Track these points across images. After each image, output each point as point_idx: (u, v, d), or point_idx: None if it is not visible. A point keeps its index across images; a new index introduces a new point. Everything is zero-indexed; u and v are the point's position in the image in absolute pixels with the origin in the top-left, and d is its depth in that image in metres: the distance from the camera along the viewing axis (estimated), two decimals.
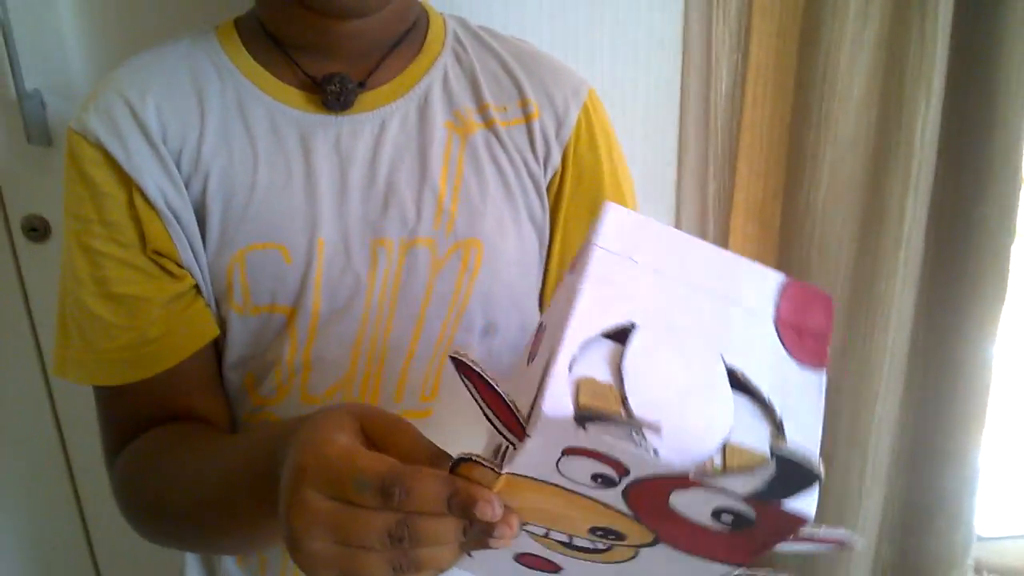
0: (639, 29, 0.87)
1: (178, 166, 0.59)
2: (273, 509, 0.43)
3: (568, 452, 0.34)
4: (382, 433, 0.42)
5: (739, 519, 0.35)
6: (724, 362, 0.35)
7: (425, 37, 0.66)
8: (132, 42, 0.75)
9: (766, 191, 1.01)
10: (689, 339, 0.35)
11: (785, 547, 0.37)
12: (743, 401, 0.34)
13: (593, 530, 0.39)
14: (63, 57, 0.77)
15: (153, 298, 0.59)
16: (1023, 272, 1.05)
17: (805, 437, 0.34)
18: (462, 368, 0.36)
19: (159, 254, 0.58)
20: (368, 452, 0.40)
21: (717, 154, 0.97)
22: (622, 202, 0.58)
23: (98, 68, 0.77)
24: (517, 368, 0.43)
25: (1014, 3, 0.88)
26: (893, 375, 1.01)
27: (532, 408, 0.33)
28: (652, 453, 0.33)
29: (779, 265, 0.99)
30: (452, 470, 0.37)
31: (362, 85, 0.61)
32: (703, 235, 1.00)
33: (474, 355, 0.41)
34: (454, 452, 0.41)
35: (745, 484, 0.33)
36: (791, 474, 0.32)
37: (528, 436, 0.33)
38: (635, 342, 0.34)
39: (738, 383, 0.35)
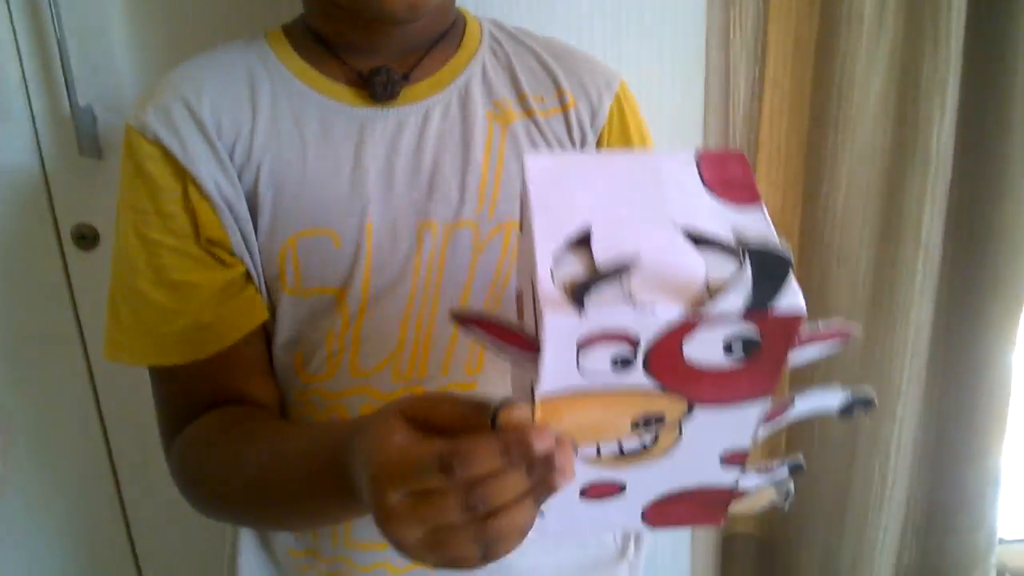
0: (663, 41, 0.90)
1: (231, 158, 0.62)
2: (335, 498, 0.50)
3: (581, 346, 0.36)
4: (426, 415, 0.44)
5: (747, 344, 0.38)
6: (677, 226, 0.39)
7: (463, 35, 0.70)
8: (181, 58, 0.79)
9: (785, 202, 1.03)
10: (639, 222, 0.39)
11: (798, 358, 0.41)
12: (707, 250, 0.38)
13: (635, 425, 0.42)
14: (115, 73, 0.80)
15: (206, 284, 0.62)
16: None
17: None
18: (466, 321, 0.39)
19: (212, 243, 0.62)
20: (421, 440, 0.42)
21: None
22: None
23: (148, 84, 0.81)
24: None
25: None
26: (913, 378, 1.03)
27: (537, 327, 0.37)
28: (650, 309, 0.35)
29: (799, 275, 1.01)
30: (492, 423, 0.39)
31: (406, 78, 0.65)
32: None
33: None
34: None
35: (735, 300, 0.35)
36: (765, 267, 0.34)
37: (537, 347, 0.36)
38: (596, 238, 0.38)
39: (696, 239, 0.38)
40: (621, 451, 0.44)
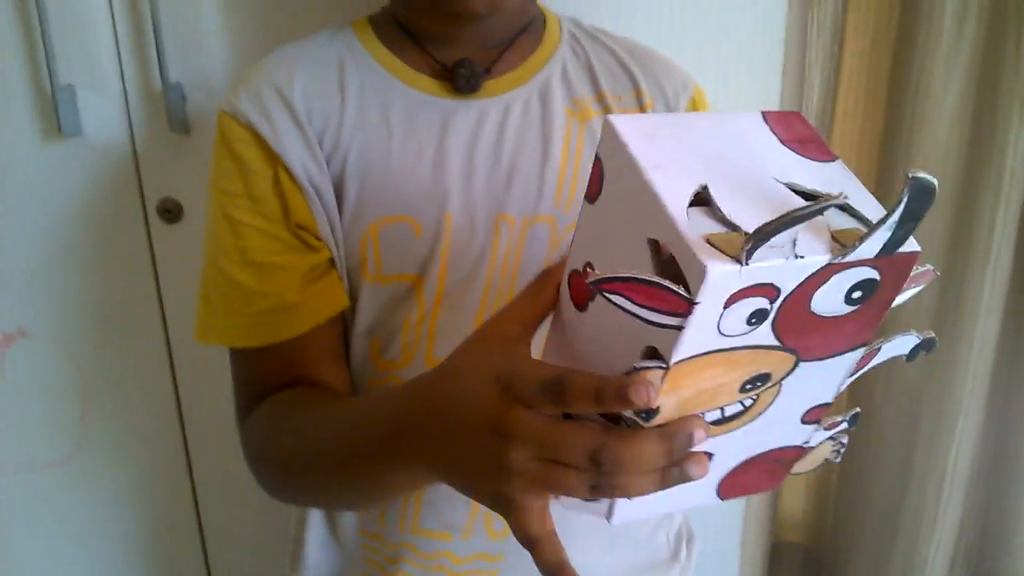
0: (742, 39, 0.90)
1: (320, 145, 0.64)
2: (411, 460, 0.49)
3: (728, 303, 0.35)
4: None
5: (867, 288, 0.38)
6: (779, 182, 0.39)
7: (543, 32, 0.71)
8: (268, 41, 0.82)
9: None
10: (745, 178, 0.39)
11: (897, 299, 0.41)
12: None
13: (743, 387, 0.41)
14: (204, 53, 0.83)
15: (292, 267, 0.63)
16: None
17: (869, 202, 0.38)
18: (612, 285, 0.38)
19: (300, 227, 0.63)
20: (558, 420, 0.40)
21: None
22: None
23: (236, 64, 0.83)
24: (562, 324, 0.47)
25: None
26: (976, 392, 1.01)
27: (681, 281, 0.35)
28: (800, 258, 0.35)
29: None
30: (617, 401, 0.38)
31: (488, 71, 0.66)
32: None
33: None
34: None
35: (875, 244, 0.35)
36: (915, 207, 0.34)
37: (696, 302, 0.35)
38: (715, 196, 0.37)
39: (801, 193, 0.39)
40: (722, 417, 0.42)
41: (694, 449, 0.39)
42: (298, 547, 0.75)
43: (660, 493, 0.42)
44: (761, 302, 0.36)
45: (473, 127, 0.66)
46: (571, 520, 0.68)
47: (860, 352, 0.42)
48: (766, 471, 0.48)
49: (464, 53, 0.66)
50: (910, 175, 0.34)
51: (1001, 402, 1.05)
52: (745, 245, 0.34)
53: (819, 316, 0.38)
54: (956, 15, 0.90)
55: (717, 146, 0.41)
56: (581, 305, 0.44)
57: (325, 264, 0.65)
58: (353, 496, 0.62)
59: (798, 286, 0.37)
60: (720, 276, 0.34)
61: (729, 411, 0.42)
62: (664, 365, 0.37)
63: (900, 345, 0.45)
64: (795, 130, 0.43)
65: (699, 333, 0.36)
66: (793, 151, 0.41)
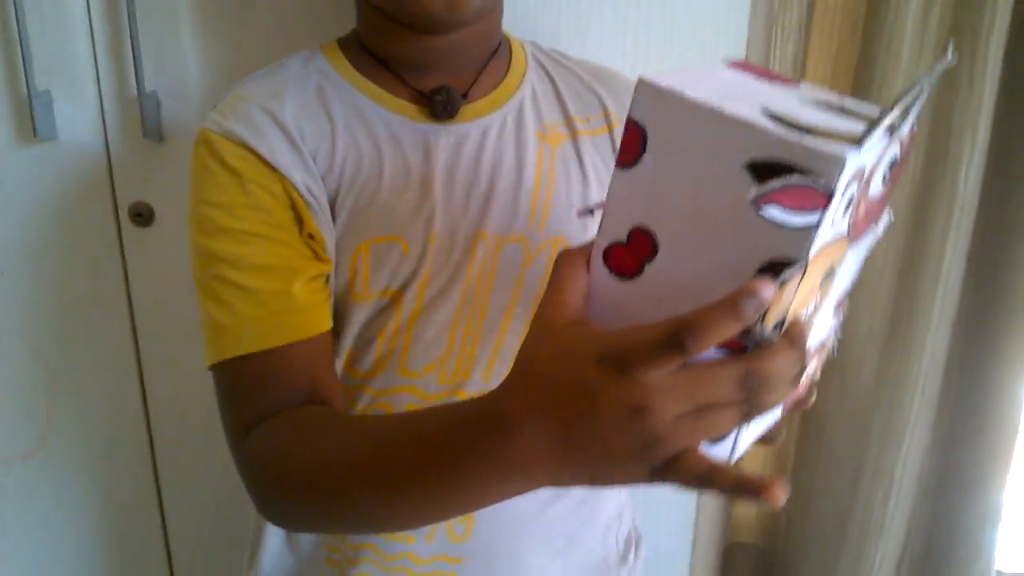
0: (703, 63, 0.92)
1: (315, 162, 0.64)
2: (489, 460, 0.44)
3: (844, 191, 0.38)
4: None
5: (893, 167, 0.42)
6: (807, 100, 0.43)
7: (511, 57, 0.73)
8: (243, 54, 0.84)
9: None
10: (777, 102, 0.41)
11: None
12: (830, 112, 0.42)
13: (822, 283, 0.43)
14: (180, 63, 0.84)
15: (301, 269, 0.62)
16: None
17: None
18: (758, 201, 0.38)
19: (311, 238, 0.64)
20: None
21: None
22: None
23: (211, 75, 0.85)
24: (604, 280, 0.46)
25: None
26: (924, 407, 1.05)
27: (806, 178, 0.37)
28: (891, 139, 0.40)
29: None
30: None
31: (465, 97, 0.68)
32: None
33: None
34: None
35: (909, 123, 0.40)
36: (919, 95, 0.39)
37: (833, 191, 0.36)
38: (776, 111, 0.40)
39: (824, 104, 0.43)
40: (811, 315, 0.43)
41: None
42: (256, 547, 0.75)
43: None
44: (854, 188, 0.39)
45: (453, 150, 0.68)
46: (524, 525, 0.71)
47: (879, 228, 0.46)
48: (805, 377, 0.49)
49: (438, 79, 0.68)
50: (924, 81, 0.38)
51: (948, 419, 1.09)
52: (865, 131, 0.37)
53: (869, 198, 0.42)
54: (913, 48, 0.93)
55: (732, 84, 0.43)
56: (632, 272, 0.44)
57: (324, 278, 0.65)
58: (412, 511, 0.52)
59: (871, 169, 0.40)
60: (851, 161, 0.36)
61: (808, 311, 0.43)
62: (802, 265, 0.38)
63: None
64: (756, 70, 0.47)
65: (826, 227, 0.38)
66: (770, 83, 0.45)
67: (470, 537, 0.69)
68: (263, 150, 0.62)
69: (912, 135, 0.43)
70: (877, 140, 0.38)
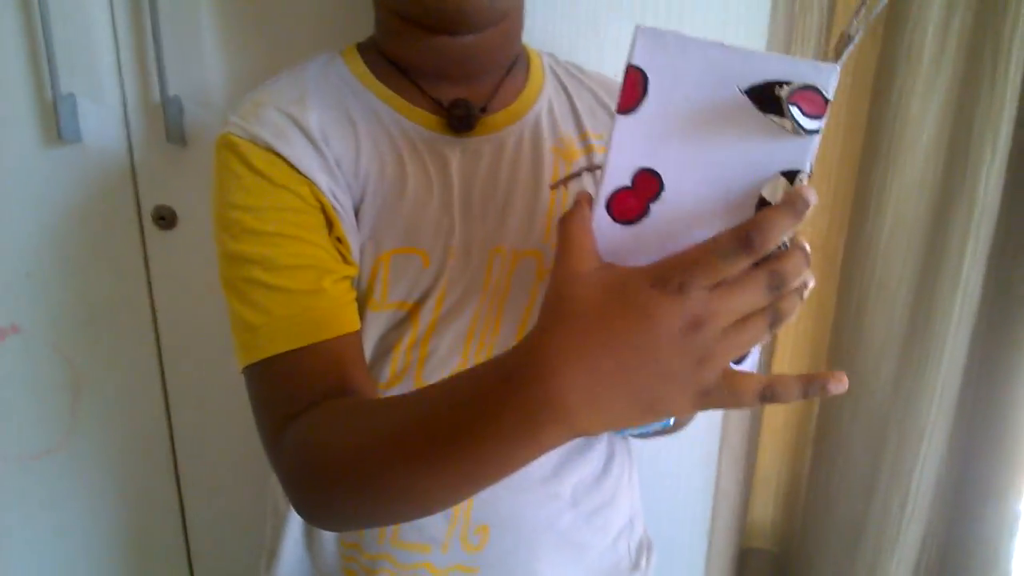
0: None
1: (339, 169, 0.64)
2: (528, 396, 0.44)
3: None
4: None
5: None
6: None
7: (529, 69, 0.73)
8: (265, 59, 0.85)
9: (831, 225, 1.05)
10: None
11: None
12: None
13: None
14: (203, 68, 0.85)
15: (331, 269, 0.62)
16: None
17: None
18: (789, 98, 0.43)
19: (340, 241, 0.64)
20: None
21: None
22: None
23: (233, 80, 0.86)
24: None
25: None
26: (942, 413, 1.04)
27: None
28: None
29: (838, 298, 1.04)
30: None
31: (483, 110, 0.68)
32: None
33: None
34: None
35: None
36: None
37: (830, 99, 0.43)
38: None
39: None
40: None
41: None
42: (272, 556, 0.76)
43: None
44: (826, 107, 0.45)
45: (471, 163, 0.68)
46: (539, 535, 0.71)
47: None
48: None
49: (456, 89, 0.68)
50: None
51: (966, 426, 1.08)
52: (839, 46, 0.44)
53: None
54: (934, 54, 0.92)
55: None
56: (637, 215, 0.47)
57: (350, 282, 0.65)
58: (454, 478, 0.50)
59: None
60: (832, 69, 0.42)
61: None
62: (808, 171, 0.44)
63: None
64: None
65: (816, 143, 0.44)
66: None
67: (486, 547, 0.70)
68: (289, 154, 0.62)
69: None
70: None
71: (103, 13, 0.83)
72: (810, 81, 0.43)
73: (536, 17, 0.69)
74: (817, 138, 0.44)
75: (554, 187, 0.67)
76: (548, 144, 0.70)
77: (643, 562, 0.82)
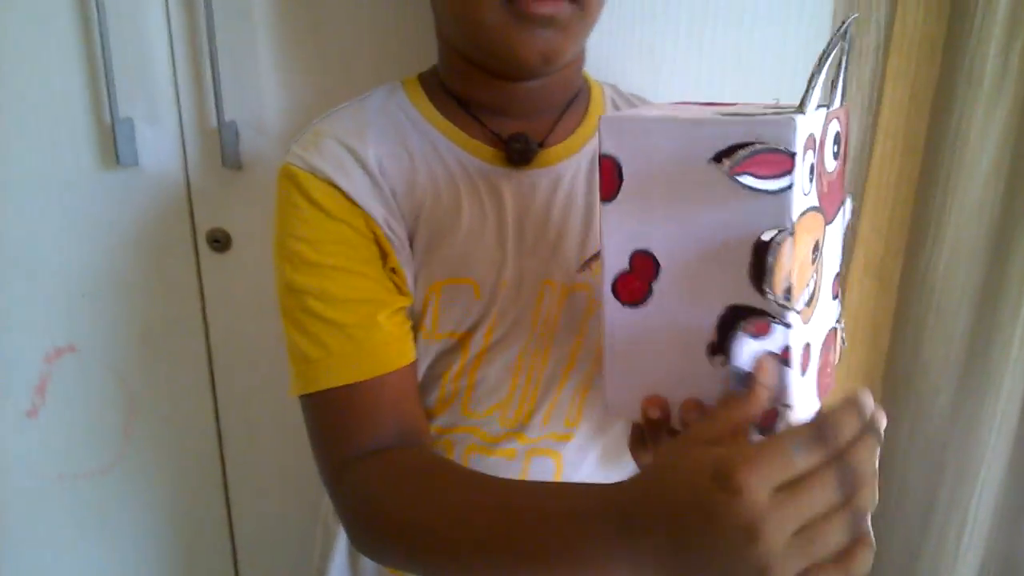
0: (777, 91, 0.91)
1: (395, 200, 0.65)
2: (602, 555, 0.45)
3: (804, 154, 0.44)
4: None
5: (838, 141, 0.50)
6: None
7: (589, 102, 0.73)
8: (321, 86, 0.85)
9: (887, 249, 1.03)
10: (718, 109, 0.48)
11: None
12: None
13: (812, 257, 0.48)
14: (260, 94, 0.86)
15: (386, 302, 0.64)
16: None
17: None
18: (733, 171, 0.44)
19: (394, 272, 0.65)
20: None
21: None
22: None
23: (289, 106, 0.86)
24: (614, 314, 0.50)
25: None
26: (1001, 441, 1.02)
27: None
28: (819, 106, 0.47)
29: (895, 323, 1.02)
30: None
31: (541, 145, 0.68)
32: None
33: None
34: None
35: (840, 89, 0.50)
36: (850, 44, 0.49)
37: (794, 152, 0.43)
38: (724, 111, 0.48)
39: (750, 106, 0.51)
40: (809, 297, 0.48)
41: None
42: (322, 568, 0.77)
43: (808, 394, 0.48)
44: (811, 157, 0.44)
45: (526, 195, 0.68)
46: None
47: (847, 212, 0.52)
48: (828, 366, 0.53)
49: (516, 124, 0.68)
50: (845, 22, 0.45)
51: None
52: (803, 99, 0.44)
53: (827, 173, 0.47)
54: (995, 75, 0.90)
55: (680, 107, 0.50)
56: (642, 296, 0.48)
57: (406, 312, 0.66)
58: None
59: (820, 138, 0.46)
60: (800, 124, 0.43)
61: (809, 290, 0.48)
62: (790, 228, 0.44)
63: None
64: (698, 103, 0.53)
65: (798, 192, 0.44)
66: (711, 105, 0.51)
67: None
68: (346, 186, 0.64)
69: (847, 111, 0.49)
70: (814, 107, 0.45)
71: (161, 39, 0.85)
72: (764, 142, 0.42)
73: (591, 41, 0.68)
74: (790, 194, 0.43)
75: (581, 269, 0.67)
76: None
77: None
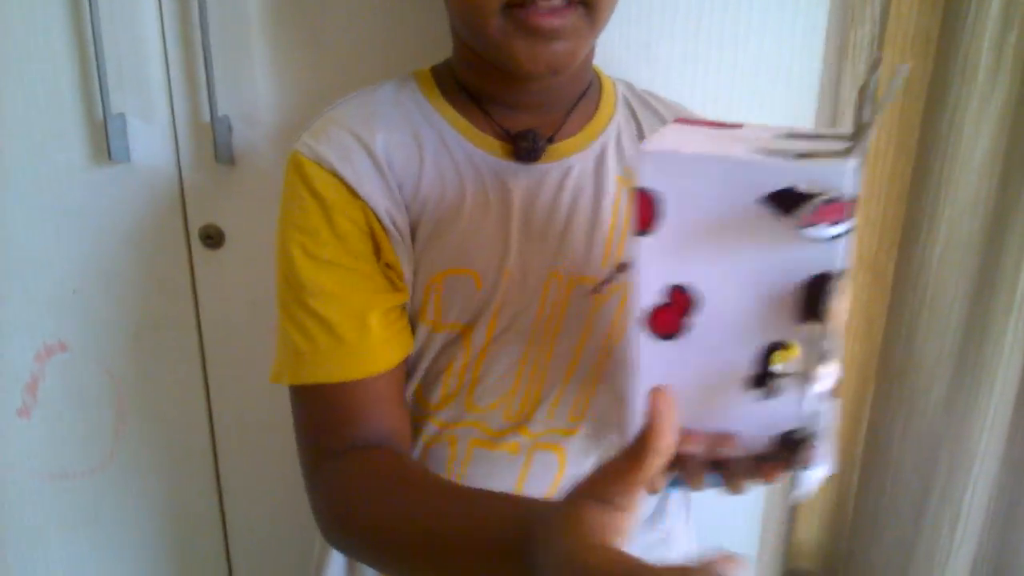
0: (777, 89, 0.91)
1: (401, 193, 0.65)
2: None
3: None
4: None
5: None
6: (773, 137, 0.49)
7: (600, 97, 0.73)
8: (314, 80, 0.85)
9: (880, 243, 1.03)
10: (751, 140, 0.47)
11: None
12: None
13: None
14: (252, 89, 0.85)
15: (377, 302, 0.64)
16: None
17: None
18: (807, 222, 0.43)
19: (389, 267, 0.65)
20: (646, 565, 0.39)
21: None
22: None
23: (282, 101, 0.86)
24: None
25: None
26: (994, 435, 1.02)
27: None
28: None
29: (889, 317, 1.02)
30: None
31: (550, 140, 0.68)
32: None
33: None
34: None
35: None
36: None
37: (855, 198, 0.42)
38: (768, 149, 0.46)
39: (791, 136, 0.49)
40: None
41: None
42: (319, 565, 0.76)
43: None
44: (850, 208, 0.44)
45: (533, 189, 0.68)
46: None
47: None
48: None
49: (526, 119, 0.68)
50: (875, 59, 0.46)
51: (1018, 449, 1.06)
52: (852, 142, 0.43)
53: None
54: (989, 69, 0.90)
55: (708, 137, 0.49)
56: (677, 329, 0.48)
57: (401, 308, 0.67)
58: None
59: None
60: (852, 169, 0.42)
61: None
62: (846, 273, 0.44)
63: None
64: (701, 123, 0.52)
65: (849, 240, 0.44)
66: (728, 129, 0.50)
67: None
68: (350, 177, 0.64)
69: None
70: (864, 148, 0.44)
71: (154, 33, 0.84)
72: (825, 191, 0.42)
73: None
74: (847, 239, 0.43)
75: (594, 291, 0.67)
76: (614, 172, 0.70)
77: None
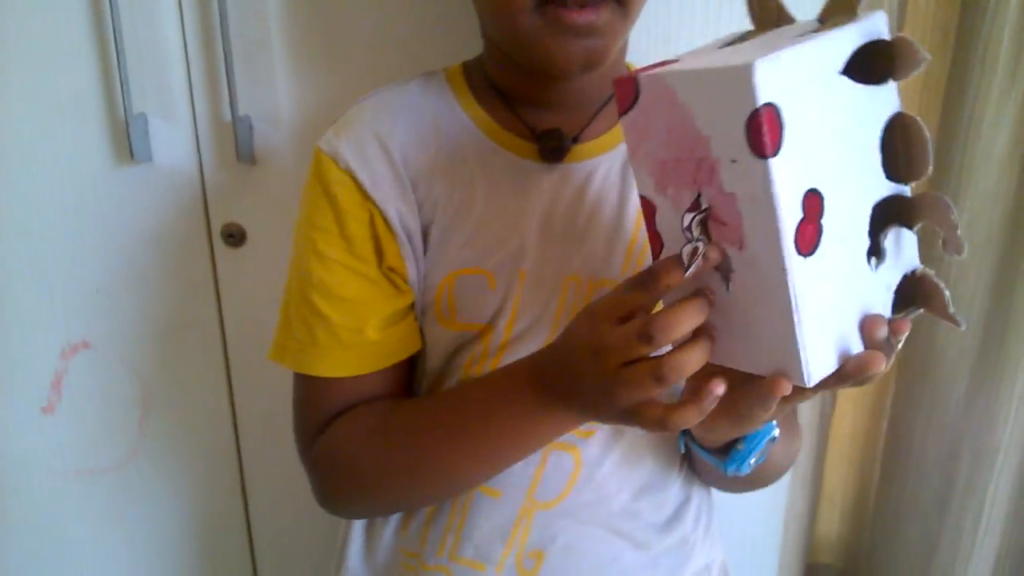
0: None
1: (414, 192, 0.66)
2: (529, 403, 0.58)
3: None
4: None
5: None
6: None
7: None
8: (335, 79, 0.85)
9: None
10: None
11: None
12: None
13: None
14: (273, 88, 0.86)
15: (377, 307, 0.66)
16: None
17: None
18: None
19: (391, 270, 0.66)
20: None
21: None
22: None
23: (303, 100, 0.86)
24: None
25: None
26: (1017, 429, 1.02)
27: None
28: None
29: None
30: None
31: (575, 140, 0.67)
32: None
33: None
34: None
35: None
36: None
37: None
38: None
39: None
40: None
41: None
42: (341, 560, 0.77)
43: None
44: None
45: (555, 189, 0.67)
46: (598, 570, 0.70)
47: None
48: None
49: (554, 117, 0.67)
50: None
51: None
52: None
53: None
54: (1009, 60, 0.90)
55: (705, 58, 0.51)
56: (816, 242, 0.48)
57: (406, 308, 0.67)
58: (479, 461, 0.63)
59: None
60: (883, 19, 0.49)
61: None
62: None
63: None
64: (658, 65, 0.53)
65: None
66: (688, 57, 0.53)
67: (539, 573, 0.69)
68: (364, 177, 0.64)
69: None
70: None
71: (175, 34, 0.84)
72: (877, 38, 0.48)
73: None
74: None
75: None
76: None
77: None
